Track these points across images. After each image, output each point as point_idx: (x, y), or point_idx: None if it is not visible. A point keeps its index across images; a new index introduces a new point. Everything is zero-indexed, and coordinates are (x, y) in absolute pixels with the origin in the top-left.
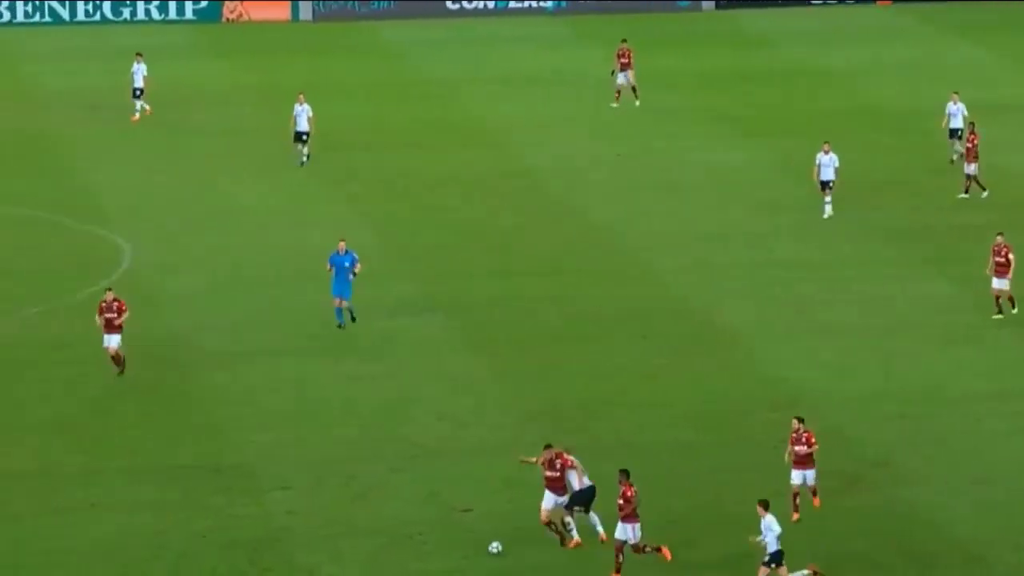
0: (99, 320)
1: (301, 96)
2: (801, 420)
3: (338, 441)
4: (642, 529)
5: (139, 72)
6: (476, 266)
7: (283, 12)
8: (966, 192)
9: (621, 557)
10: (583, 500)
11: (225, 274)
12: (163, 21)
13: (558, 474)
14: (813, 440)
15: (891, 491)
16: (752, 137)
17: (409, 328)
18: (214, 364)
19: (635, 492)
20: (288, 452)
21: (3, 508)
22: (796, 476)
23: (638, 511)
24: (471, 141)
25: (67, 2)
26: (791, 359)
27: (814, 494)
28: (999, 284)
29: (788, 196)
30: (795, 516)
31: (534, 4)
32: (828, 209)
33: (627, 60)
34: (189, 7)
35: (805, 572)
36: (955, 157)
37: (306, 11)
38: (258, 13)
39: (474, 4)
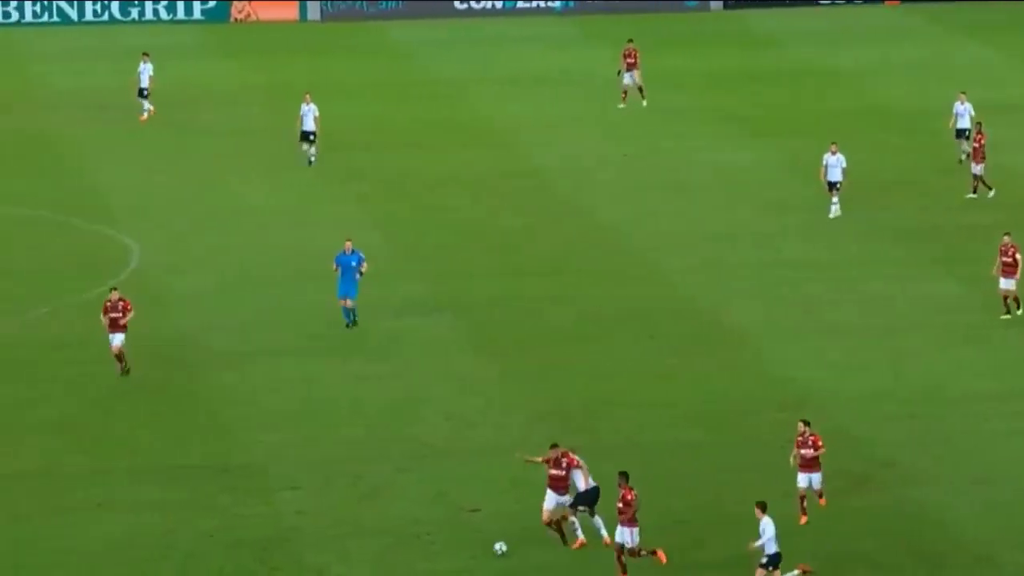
0: (104, 319)
1: (307, 96)
2: (807, 423)
3: (345, 441)
4: (640, 534)
5: (145, 72)
6: (483, 266)
7: (291, 12)
8: (974, 192)
9: (624, 558)
10: (588, 501)
11: (232, 274)
12: (171, 21)
13: (563, 473)
14: (820, 443)
15: (899, 491)
16: (760, 137)
17: (416, 328)
18: (221, 364)
19: (635, 495)
20: (296, 452)
21: (10, 508)
22: (802, 479)
23: (637, 515)
24: (479, 141)
25: (75, 2)
26: (798, 359)
27: (820, 496)
28: (1006, 284)
29: (796, 196)
30: (803, 519)
31: (542, 4)
32: (834, 209)
33: (633, 60)
34: (197, 7)
35: (795, 573)
36: (963, 157)
37: (314, 11)
38: (266, 13)
39: (482, 4)
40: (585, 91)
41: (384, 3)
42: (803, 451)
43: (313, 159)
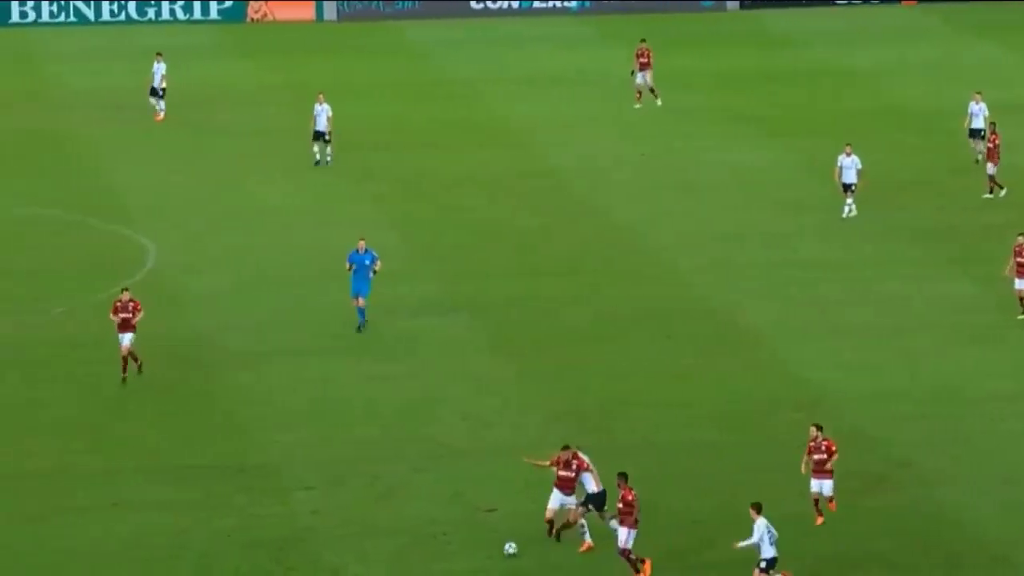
0: (114, 319)
1: (321, 96)
2: (820, 427)
3: (361, 441)
4: (636, 537)
5: (159, 72)
6: (499, 266)
7: (307, 12)
8: (990, 192)
9: (633, 556)
10: (598, 503)
11: (249, 274)
12: (188, 21)
13: (572, 475)
14: (833, 448)
15: (915, 491)
16: (776, 137)
17: (432, 328)
18: (238, 364)
19: (635, 496)
20: (312, 452)
21: (25, 507)
22: (815, 484)
23: (638, 517)
24: (494, 141)
25: (92, 2)
26: (814, 359)
27: (830, 500)
28: (1021, 284)
29: (812, 196)
30: (819, 519)
31: (558, 4)
32: (847, 210)
33: (647, 60)
34: (214, 7)
35: None
36: (980, 158)
37: (330, 11)
38: (283, 13)
39: (498, 4)
40: (601, 91)
41: (400, 3)
42: (816, 456)
43: (329, 159)
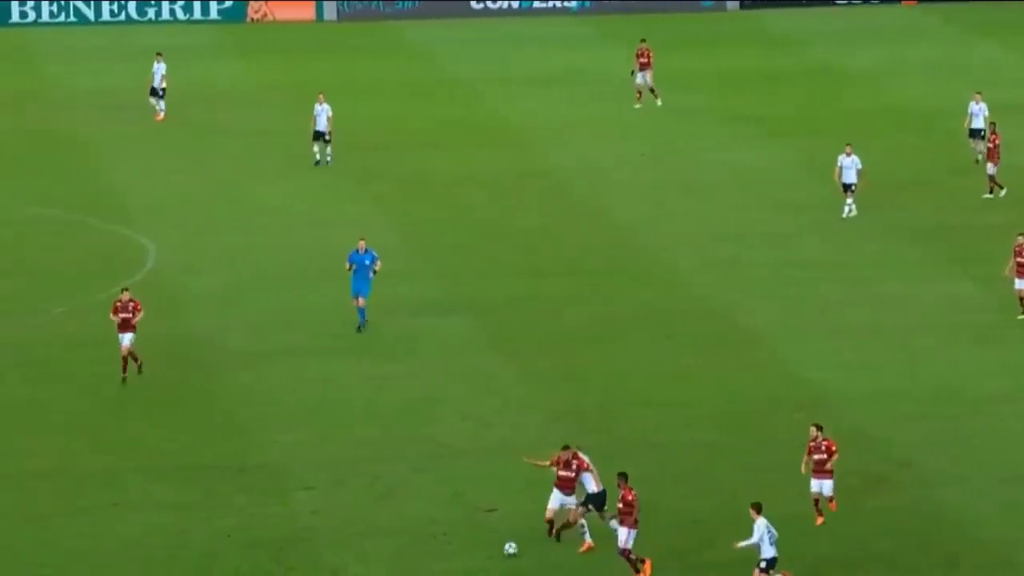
0: (114, 319)
1: (321, 96)
2: (820, 428)
3: (361, 441)
4: (636, 537)
5: (159, 72)
6: (500, 266)
7: (307, 12)
8: (991, 192)
9: (633, 555)
10: (598, 503)
11: (249, 274)
12: (188, 21)
13: (572, 475)
14: (833, 448)
15: (915, 491)
16: (776, 137)
17: (432, 328)
18: (238, 364)
19: (635, 496)
20: (312, 452)
21: (27, 508)
22: (815, 485)
23: (638, 517)
24: (495, 141)
25: (92, 2)
26: (814, 359)
27: (830, 500)
28: (1021, 284)
29: (812, 196)
30: (819, 519)
31: (558, 4)
32: (847, 209)
33: (646, 60)
34: (214, 7)
35: None
36: (980, 158)
37: (330, 11)
38: (283, 13)
39: (498, 4)
40: (601, 91)
41: (400, 3)
42: (816, 456)
43: (329, 159)
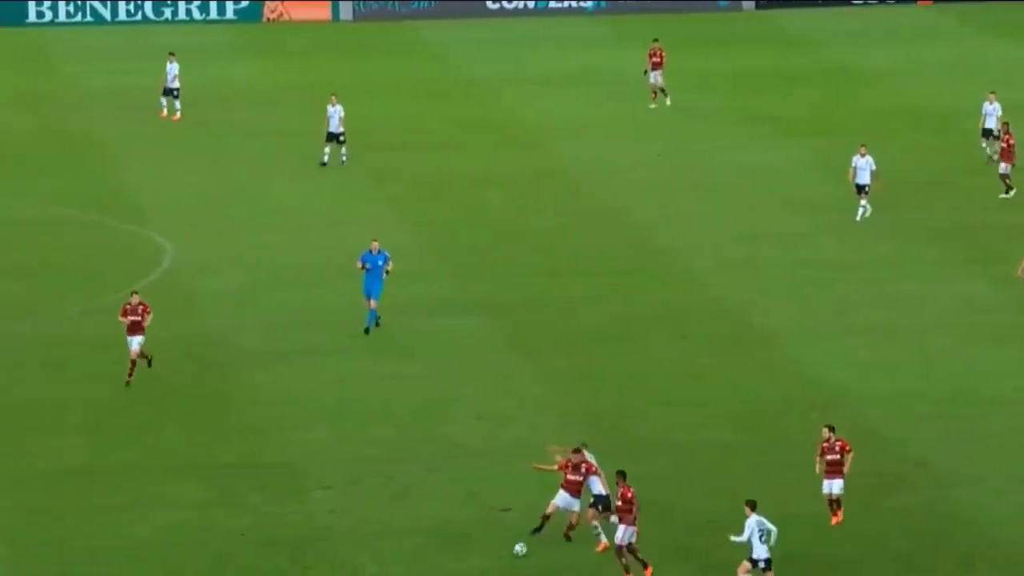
0: (123, 321)
1: (333, 97)
2: (832, 429)
3: (377, 440)
4: (637, 535)
5: (172, 71)
6: (515, 266)
7: (323, 12)
8: (1007, 192)
9: (639, 554)
10: (605, 504)
11: (265, 274)
12: (204, 21)
13: (581, 479)
14: (848, 447)
15: (931, 491)
16: (792, 137)
17: (448, 328)
18: (254, 364)
19: (634, 494)
20: (328, 451)
21: (46, 506)
22: (827, 485)
23: (637, 515)
24: (511, 141)
25: (108, 2)
26: (830, 359)
27: (838, 506)
28: None
29: (828, 196)
30: (834, 519)
31: (574, 4)
32: (861, 211)
33: (659, 59)
34: (230, 7)
35: None
36: (995, 157)
37: (346, 11)
38: (299, 13)
39: (514, 4)
40: (617, 91)
41: (416, 3)
42: (829, 457)
43: (344, 159)
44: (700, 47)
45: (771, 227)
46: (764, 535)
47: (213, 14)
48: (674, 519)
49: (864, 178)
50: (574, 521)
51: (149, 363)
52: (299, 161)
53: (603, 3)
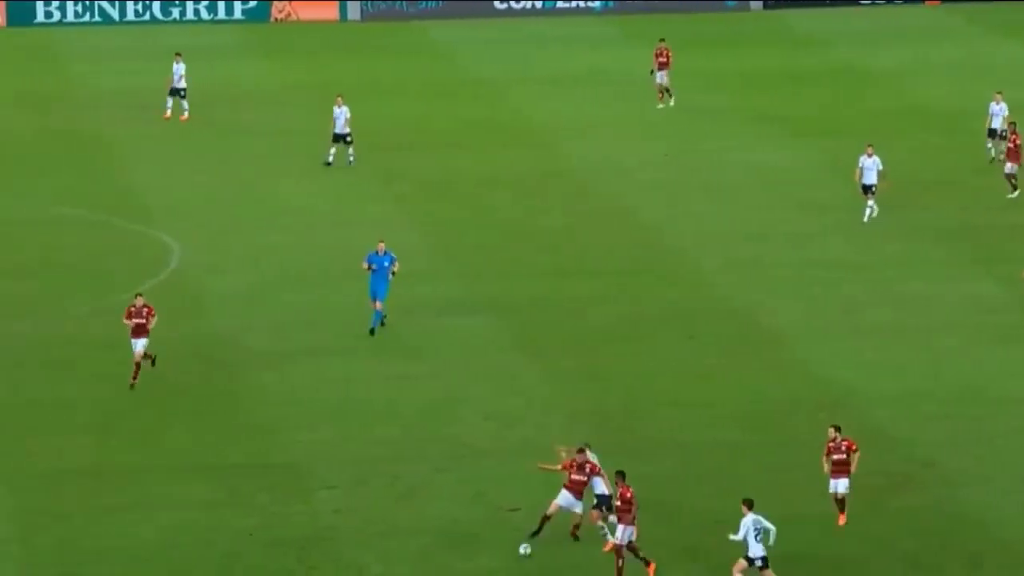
0: (128, 323)
1: (339, 98)
2: (838, 429)
3: (384, 440)
4: (634, 535)
5: (178, 72)
6: (523, 266)
7: (331, 12)
8: (1014, 192)
9: (641, 553)
10: (609, 504)
11: (272, 274)
12: (212, 21)
13: (585, 479)
14: (854, 447)
15: (939, 491)
16: (800, 137)
17: (456, 328)
18: (261, 364)
19: (633, 494)
20: (335, 451)
21: (53, 506)
22: (832, 485)
23: (636, 515)
24: (518, 141)
25: (116, 2)
26: (837, 359)
27: (843, 506)
28: None
29: (836, 196)
30: (842, 519)
31: (581, 4)
32: (869, 211)
33: (665, 59)
34: (238, 7)
35: None
36: (1001, 157)
37: (354, 11)
38: (306, 13)
39: (522, 4)
40: (625, 91)
41: (424, 3)
42: (835, 456)
43: (352, 159)
44: (708, 47)
45: (779, 227)
46: (760, 534)
47: (221, 14)
48: (682, 519)
49: (871, 178)
50: (579, 521)
51: (152, 362)
52: (307, 161)
53: (611, 3)
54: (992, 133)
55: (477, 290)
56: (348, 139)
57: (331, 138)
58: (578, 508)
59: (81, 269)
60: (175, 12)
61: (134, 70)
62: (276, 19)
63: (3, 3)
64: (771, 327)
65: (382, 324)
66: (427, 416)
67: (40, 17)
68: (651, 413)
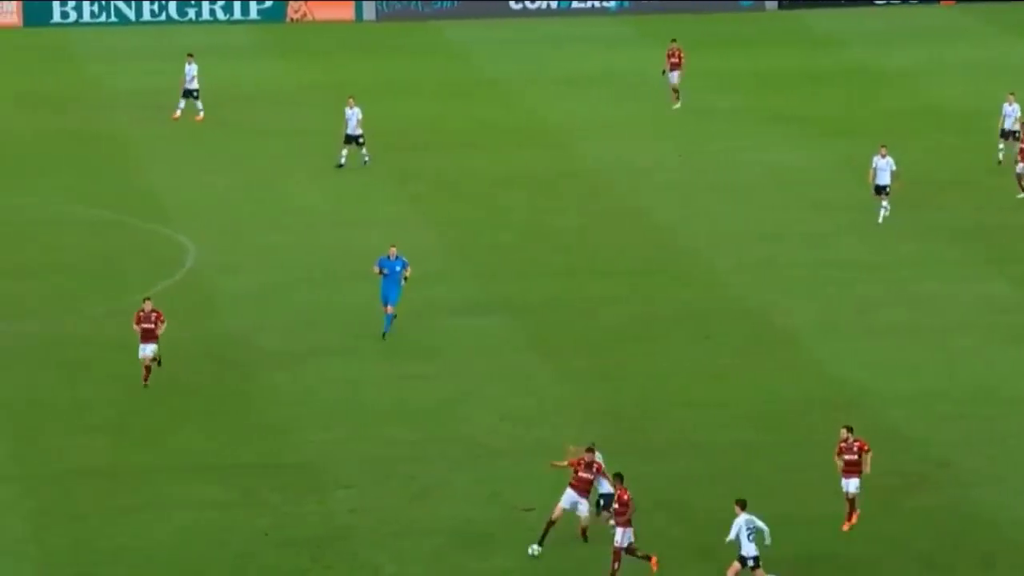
0: (136, 328)
1: (351, 99)
2: (850, 429)
3: (398, 440)
4: (632, 536)
5: (190, 72)
6: (538, 266)
7: (347, 12)
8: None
9: (639, 552)
10: (611, 504)
11: (286, 274)
12: (228, 21)
13: (592, 477)
14: (866, 447)
15: (953, 491)
16: (815, 137)
17: (470, 328)
18: (274, 364)
19: (630, 497)
20: (348, 451)
21: (68, 507)
22: (844, 484)
23: (631, 517)
24: (533, 141)
25: (133, 2)
26: (852, 359)
27: (853, 507)
28: None
29: (851, 197)
30: (854, 518)
31: (596, 4)
32: (883, 212)
33: (678, 60)
34: (254, 7)
35: None
36: (1019, 158)
37: (369, 11)
38: (322, 13)
39: (537, 4)
40: (640, 91)
41: (439, 3)
42: (847, 456)
43: (367, 159)
44: (723, 47)
45: (793, 227)
46: (753, 534)
47: (237, 14)
48: (695, 519)
49: (884, 179)
50: (586, 524)
51: (159, 363)
52: (322, 161)
53: (626, 3)
54: (1005, 134)
55: (491, 290)
56: (360, 140)
57: (343, 139)
58: (583, 506)
59: (96, 269)
60: (191, 12)
61: (150, 70)
62: (292, 19)
63: (20, 3)
64: (785, 327)
65: (391, 329)
66: (441, 416)
67: (56, 17)
68: (665, 413)
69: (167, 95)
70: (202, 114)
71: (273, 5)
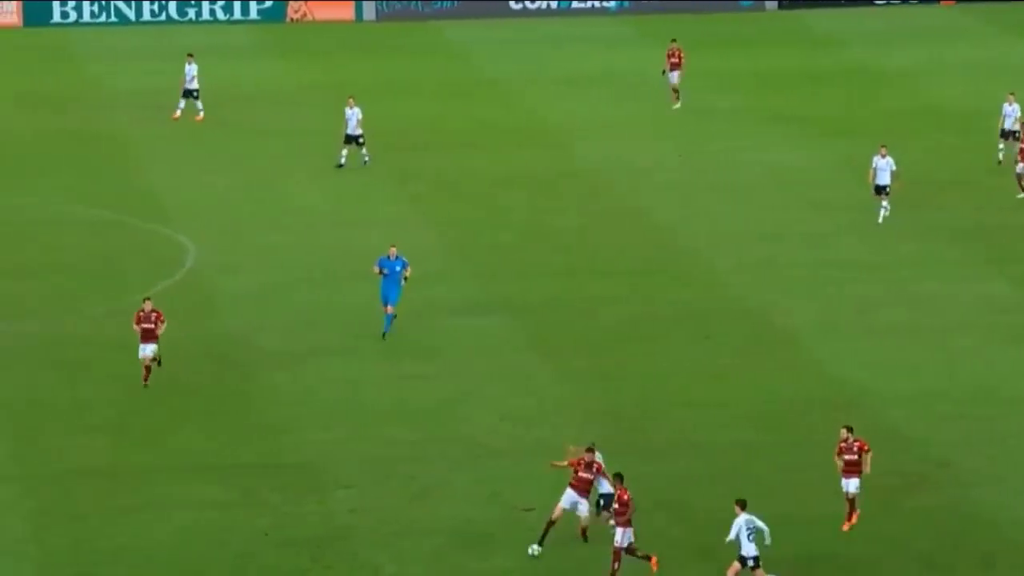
0: (136, 328)
1: (351, 99)
2: (850, 429)
3: (398, 440)
4: (632, 536)
5: (190, 73)
6: (537, 266)
7: (347, 12)
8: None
9: (639, 552)
10: (611, 503)
11: (286, 274)
12: (228, 21)
13: (592, 477)
14: (866, 447)
15: (953, 491)
16: (815, 137)
17: (470, 328)
18: (274, 364)
19: (630, 497)
20: (348, 451)
21: (68, 507)
22: (844, 484)
23: (631, 517)
24: (533, 141)
25: (133, 2)
26: (852, 359)
27: (853, 507)
28: None
29: (851, 196)
30: (854, 518)
31: (597, 4)
32: (883, 212)
33: (677, 60)
34: (254, 7)
35: None
36: (1018, 158)
37: (369, 11)
38: (322, 13)
39: (537, 4)
40: (640, 91)
41: (439, 3)
42: (847, 457)
43: (367, 159)
44: (723, 47)
45: (793, 227)
46: (753, 533)
47: (237, 14)
48: (695, 519)
49: (884, 179)
50: (586, 524)
51: (159, 363)
52: (322, 161)
53: (626, 3)
54: (1005, 134)
55: (491, 290)
56: (360, 140)
57: (343, 139)
58: (583, 506)
59: (96, 269)
60: (191, 12)
61: (150, 70)
62: (292, 19)
63: (20, 3)
64: (785, 327)
65: (391, 328)
66: (441, 416)
67: (56, 17)
68: (665, 413)
69: (167, 95)
70: (202, 114)
71: (273, 5)
